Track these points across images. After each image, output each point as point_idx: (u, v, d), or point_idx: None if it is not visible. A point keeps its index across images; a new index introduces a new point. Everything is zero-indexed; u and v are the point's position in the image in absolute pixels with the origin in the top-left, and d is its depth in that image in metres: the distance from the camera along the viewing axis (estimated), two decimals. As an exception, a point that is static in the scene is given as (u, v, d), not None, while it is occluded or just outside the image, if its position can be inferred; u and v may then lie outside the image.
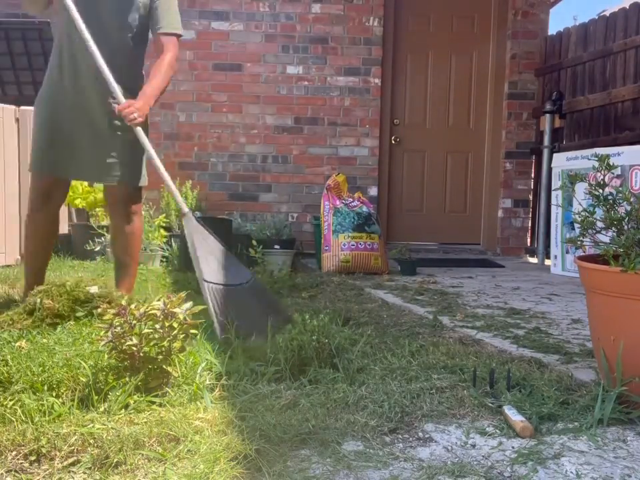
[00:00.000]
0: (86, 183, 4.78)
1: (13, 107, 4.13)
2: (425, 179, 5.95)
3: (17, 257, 4.11)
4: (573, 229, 4.38)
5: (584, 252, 2.09)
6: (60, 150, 2.60)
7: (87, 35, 2.45)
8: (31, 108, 4.26)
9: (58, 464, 1.35)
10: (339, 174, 4.79)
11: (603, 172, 1.85)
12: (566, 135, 5.49)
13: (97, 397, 1.65)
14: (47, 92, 2.64)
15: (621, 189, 1.82)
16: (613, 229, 1.78)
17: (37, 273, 2.80)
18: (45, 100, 2.64)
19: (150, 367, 1.74)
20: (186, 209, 2.56)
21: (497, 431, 1.59)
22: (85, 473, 1.33)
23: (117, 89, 2.50)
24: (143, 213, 4.60)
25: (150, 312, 1.77)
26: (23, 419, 1.51)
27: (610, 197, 1.81)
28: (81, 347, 1.98)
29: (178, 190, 2.71)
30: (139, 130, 2.53)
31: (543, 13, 5.83)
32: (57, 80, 2.62)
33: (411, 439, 1.55)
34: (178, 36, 2.71)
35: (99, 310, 2.29)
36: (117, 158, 2.65)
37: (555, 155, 4.99)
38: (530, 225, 5.88)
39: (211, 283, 2.39)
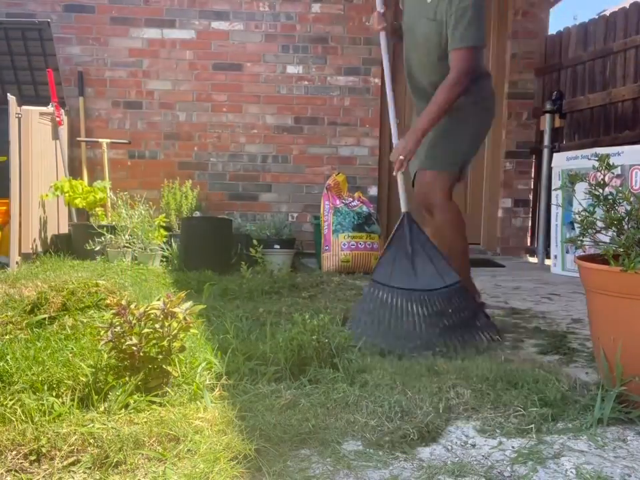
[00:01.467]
0: (86, 183, 4.79)
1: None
2: (425, 179, 5.94)
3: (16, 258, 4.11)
4: (573, 228, 4.38)
5: (584, 252, 2.09)
6: None
7: None
8: (32, 108, 4.32)
9: (58, 463, 1.35)
10: (339, 174, 4.79)
11: (603, 172, 1.85)
12: (566, 134, 5.49)
13: (96, 397, 1.65)
14: None
15: (620, 188, 1.81)
16: (613, 228, 1.78)
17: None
18: None
19: (150, 366, 1.74)
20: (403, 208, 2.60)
21: (497, 430, 1.59)
22: (84, 472, 1.33)
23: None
24: (143, 212, 4.62)
25: (150, 312, 1.77)
26: (23, 418, 1.51)
27: (610, 197, 1.81)
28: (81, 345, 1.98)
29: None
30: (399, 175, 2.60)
31: (543, 12, 5.83)
32: None
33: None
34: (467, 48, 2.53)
35: (107, 301, 2.30)
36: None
37: (555, 154, 4.99)
38: (530, 224, 5.88)
39: (378, 283, 2.41)
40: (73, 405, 1.60)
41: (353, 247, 4.44)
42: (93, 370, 1.75)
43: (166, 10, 5.38)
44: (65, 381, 1.69)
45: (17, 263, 4.07)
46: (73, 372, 1.74)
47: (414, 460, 1.43)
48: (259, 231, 4.65)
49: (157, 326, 1.75)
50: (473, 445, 1.52)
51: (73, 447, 1.39)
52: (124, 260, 4.32)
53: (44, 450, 1.38)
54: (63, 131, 4.84)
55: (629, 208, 1.77)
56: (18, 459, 1.36)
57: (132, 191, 5.13)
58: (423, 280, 2.42)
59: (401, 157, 2.54)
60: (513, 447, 1.50)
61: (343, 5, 5.51)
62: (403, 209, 2.60)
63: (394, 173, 2.61)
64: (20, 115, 4.15)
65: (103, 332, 1.78)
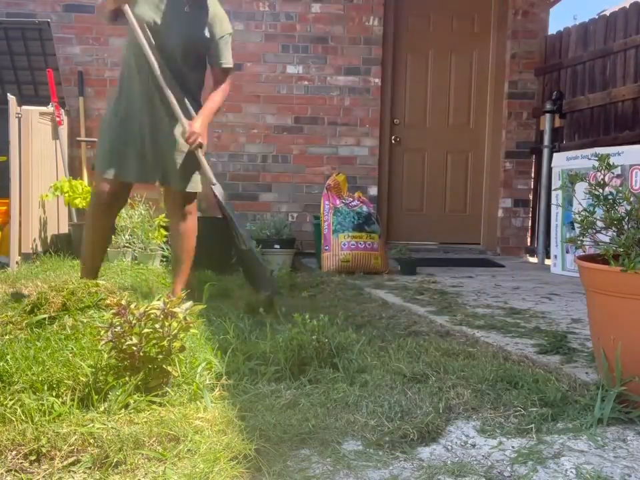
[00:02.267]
0: (86, 183, 4.79)
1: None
2: (425, 179, 5.94)
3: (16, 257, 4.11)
4: (573, 228, 4.38)
5: (584, 252, 2.09)
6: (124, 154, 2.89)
7: (152, 60, 2.76)
8: (32, 108, 4.32)
9: (58, 463, 1.35)
10: (339, 173, 4.79)
11: (602, 171, 1.85)
12: (566, 134, 5.49)
13: (96, 397, 1.65)
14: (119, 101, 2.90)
15: (620, 188, 1.82)
16: (613, 228, 1.78)
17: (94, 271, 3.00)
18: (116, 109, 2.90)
19: (150, 366, 1.74)
20: (214, 181, 3.01)
21: (497, 430, 1.59)
22: (84, 472, 1.33)
23: (181, 116, 2.84)
24: (143, 212, 4.63)
25: (150, 311, 1.77)
26: (23, 418, 1.51)
27: (610, 197, 1.81)
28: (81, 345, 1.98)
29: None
30: (199, 152, 2.90)
31: (543, 12, 5.83)
32: (129, 90, 2.88)
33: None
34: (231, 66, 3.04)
35: (107, 301, 2.29)
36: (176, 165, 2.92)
37: (555, 154, 4.98)
38: (530, 224, 5.88)
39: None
40: (73, 405, 1.60)
41: (353, 246, 4.44)
42: (93, 370, 1.75)
43: (166, 10, 5.38)
44: (65, 381, 1.69)
45: (17, 262, 4.07)
46: (73, 372, 1.74)
47: (414, 460, 1.43)
48: (258, 231, 4.65)
49: (157, 326, 1.75)
50: (473, 445, 1.52)
51: (73, 447, 1.39)
52: (124, 260, 4.32)
53: (44, 450, 1.38)
54: (63, 130, 4.84)
55: (628, 208, 1.77)
56: (18, 459, 1.36)
57: (132, 190, 5.12)
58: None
59: (200, 141, 2.88)
60: (513, 447, 1.50)
61: (343, 4, 5.51)
62: (214, 181, 3.02)
63: (193, 149, 2.89)
64: (20, 115, 4.15)
65: (103, 332, 1.78)
